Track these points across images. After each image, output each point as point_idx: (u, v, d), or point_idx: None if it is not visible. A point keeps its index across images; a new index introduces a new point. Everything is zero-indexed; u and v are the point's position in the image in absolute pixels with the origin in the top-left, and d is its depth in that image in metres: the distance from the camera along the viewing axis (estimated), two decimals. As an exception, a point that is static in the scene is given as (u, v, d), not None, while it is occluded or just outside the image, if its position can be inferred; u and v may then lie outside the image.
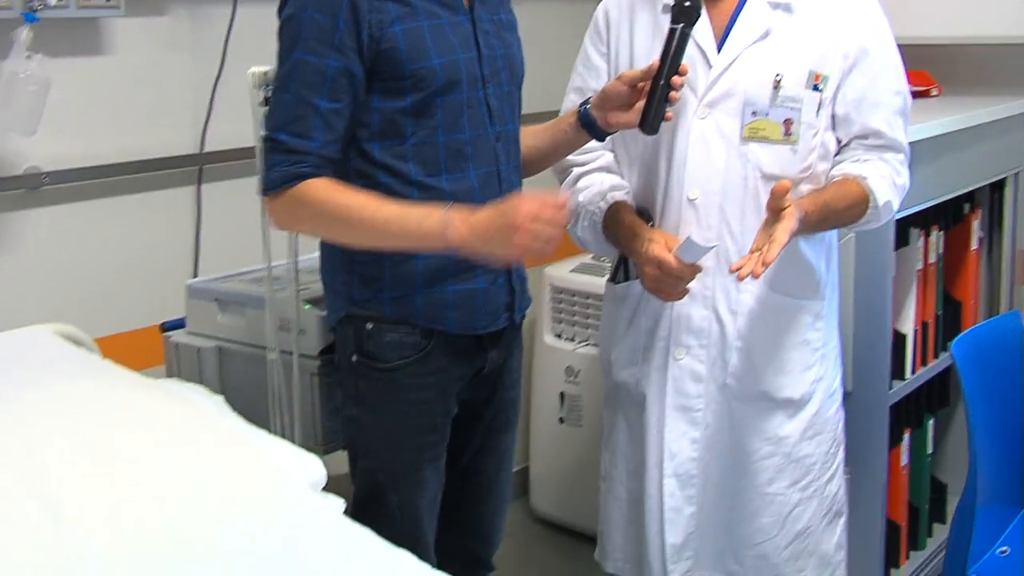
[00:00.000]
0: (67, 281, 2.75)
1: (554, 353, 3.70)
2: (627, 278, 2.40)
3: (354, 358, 2.20)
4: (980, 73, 3.62)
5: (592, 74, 2.38)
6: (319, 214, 2.07)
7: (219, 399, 2.23)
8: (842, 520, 2.47)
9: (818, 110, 2.23)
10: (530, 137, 2.32)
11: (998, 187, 3.45)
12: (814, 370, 2.36)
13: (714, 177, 2.24)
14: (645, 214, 2.32)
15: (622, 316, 2.41)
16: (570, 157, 2.36)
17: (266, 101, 2.33)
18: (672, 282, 2.18)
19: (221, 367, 2.56)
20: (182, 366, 2.60)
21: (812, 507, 2.39)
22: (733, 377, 2.32)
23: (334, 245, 2.21)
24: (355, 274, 2.19)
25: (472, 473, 2.39)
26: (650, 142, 2.28)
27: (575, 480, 3.70)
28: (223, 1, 2.92)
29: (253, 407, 2.33)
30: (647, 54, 2.25)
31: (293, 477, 1.99)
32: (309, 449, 2.13)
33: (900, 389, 2.95)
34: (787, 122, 2.22)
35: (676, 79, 2.08)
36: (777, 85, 2.20)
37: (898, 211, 2.38)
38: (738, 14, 2.25)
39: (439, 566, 1.85)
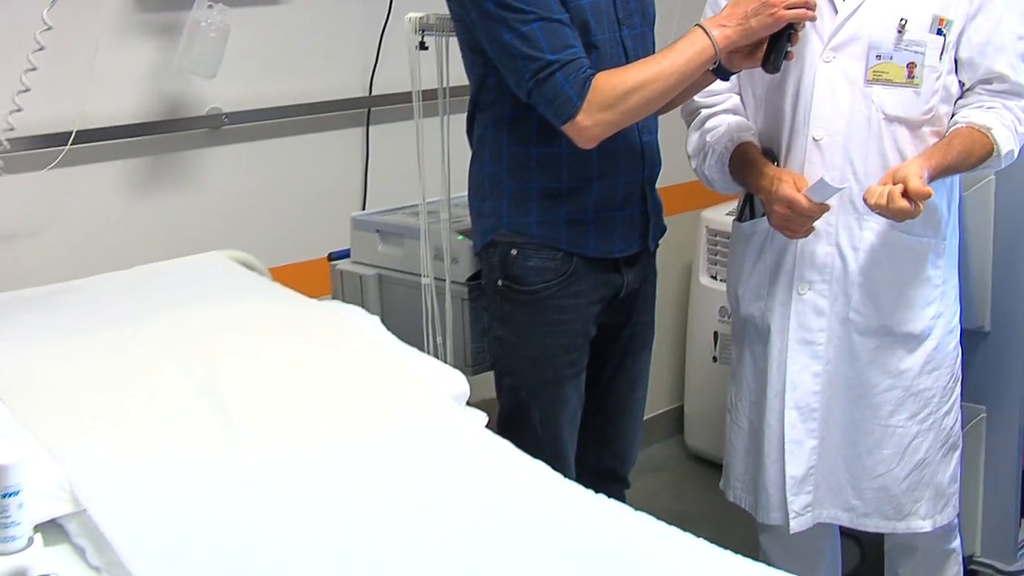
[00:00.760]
0: (244, 214, 2.94)
1: (709, 294, 3.77)
2: (752, 216, 2.48)
3: (500, 282, 2.35)
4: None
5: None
6: (622, 96, 2.15)
7: (375, 319, 2.40)
8: (956, 454, 2.52)
9: (941, 54, 2.27)
10: None
11: None
12: (934, 306, 2.39)
13: (839, 118, 2.29)
14: (770, 155, 2.39)
15: (748, 253, 2.49)
16: (698, 99, 2.43)
17: (422, 45, 2.49)
18: (800, 221, 2.25)
19: (381, 293, 2.74)
20: (346, 293, 2.79)
21: (930, 439, 2.44)
22: (855, 312, 2.38)
23: (485, 172, 2.35)
24: (505, 199, 2.33)
25: (608, 393, 2.52)
26: (776, 85, 2.35)
27: (728, 417, 3.78)
28: (391, -50, 3.05)
29: (409, 331, 2.48)
30: None
31: (438, 389, 2.15)
32: (459, 369, 2.30)
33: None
34: (911, 65, 2.26)
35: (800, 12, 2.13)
36: (901, 29, 2.25)
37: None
38: None
39: (578, 480, 1.95)
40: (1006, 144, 2.28)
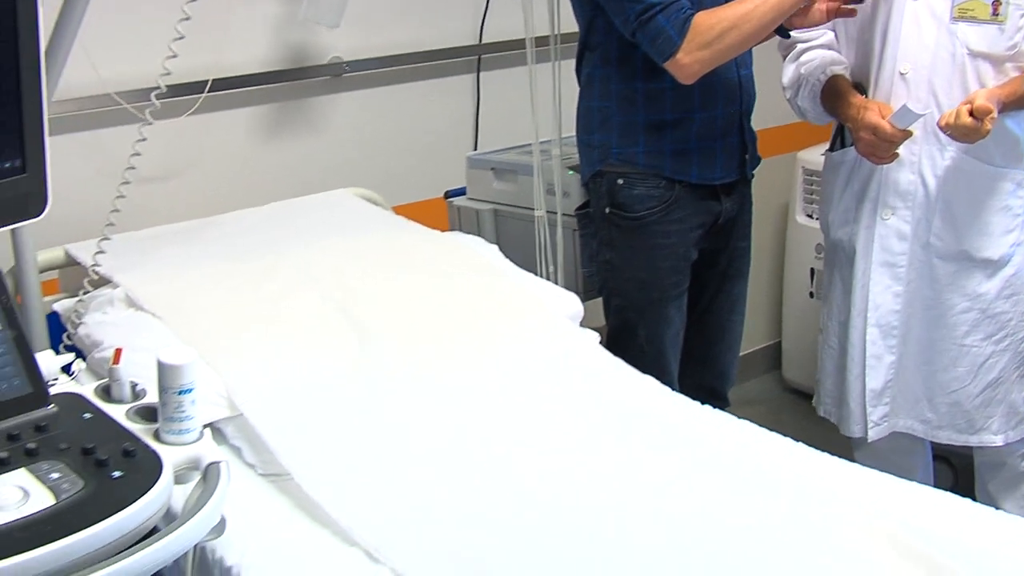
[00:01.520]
0: (365, 156, 3.09)
1: (805, 232, 3.83)
2: (843, 145, 2.58)
3: (607, 210, 2.51)
4: None
5: None
6: (719, 35, 2.28)
7: (494, 248, 2.56)
8: (1032, 376, 2.59)
9: None
10: None
11: None
12: (1014, 234, 2.47)
13: (924, 53, 2.38)
14: (860, 88, 2.48)
15: (838, 181, 2.59)
16: (794, 34, 2.51)
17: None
18: (885, 146, 2.35)
19: (497, 227, 2.90)
20: (463, 228, 2.95)
21: (1004, 360, 2.52)
22: (936, 236, 2.47)
23: (594, 108, 2.49)
24: (614, 132, 2.49)
25: (708, 315, 2.68)
26: (867, 21, 2.44)
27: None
28: (504, -97, 3.15)
29: (523, 261, 2.60)
30: None
31: (555, 310, 2.31)
32: (571, 295, 2.44)
33: None
34: (995, 2, 2.33)
35: None
36: None
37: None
38: None
39: (682, 396, 2.12)
40: None
